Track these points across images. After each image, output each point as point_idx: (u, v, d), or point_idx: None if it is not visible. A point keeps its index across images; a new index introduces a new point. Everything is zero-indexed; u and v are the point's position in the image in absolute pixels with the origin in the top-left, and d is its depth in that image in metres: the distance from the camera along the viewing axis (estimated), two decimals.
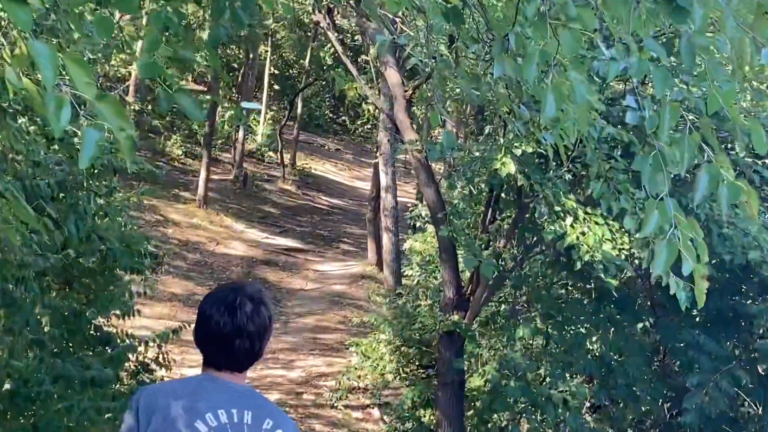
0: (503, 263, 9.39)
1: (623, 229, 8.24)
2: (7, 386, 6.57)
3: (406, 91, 10.02)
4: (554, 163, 8.13)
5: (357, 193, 28.70)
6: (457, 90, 9.04)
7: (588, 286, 9.77)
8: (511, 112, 6.12)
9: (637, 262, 9.44)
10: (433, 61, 7.38)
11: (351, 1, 10.30)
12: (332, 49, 27.51)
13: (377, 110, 23.79)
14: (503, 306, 10.70)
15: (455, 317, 9.64)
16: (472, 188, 10.00)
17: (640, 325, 9.50)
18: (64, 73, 2.27)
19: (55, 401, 6.82)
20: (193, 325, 2.66)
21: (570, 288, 9.89)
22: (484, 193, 9.77)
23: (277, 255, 20.94)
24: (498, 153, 8.01)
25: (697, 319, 9.44)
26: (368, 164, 28.38)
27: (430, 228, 15.36)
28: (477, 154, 8.18)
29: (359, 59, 27.63)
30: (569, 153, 8.34)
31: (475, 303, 9.70)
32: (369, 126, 32.70)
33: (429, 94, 9.98)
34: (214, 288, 2.67)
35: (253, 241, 21.30)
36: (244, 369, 2.54)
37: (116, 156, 7.99)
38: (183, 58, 3.29)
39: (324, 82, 31.03)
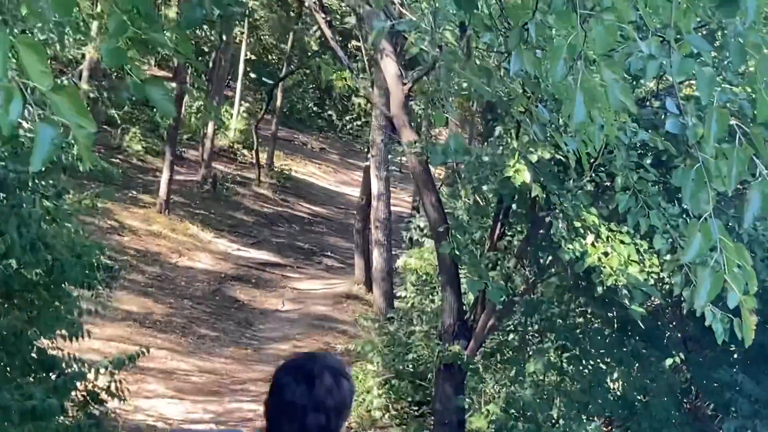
0: (513, 286, 9.43)
1: (652, 250, 8.31)
2: None
3: (404, 84, 10.06)
4: (574, 172, 8.17)
5: (344, 200, 28.69)
6: (464, 84, 9.06)
7: (610, 314, 9.84)
8: (528, 112, 6.18)
9: (667, 287, 9.50)
10: (439, 51, 7.42)
11: None
12: (318, 33, 27.57)
13: (370, 105, 23.83)
14: (511, 336, 10.75)
15: (456, 347, 9.67)
16: (478, 198, 10.06)
17: (669, 361, 9.52)
18: (14, 60, 2.27)
19: None
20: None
21: (589, 316, 9.95)
22: (493, 205, 9.82)
23: (249, 270, 20.89)
24: (510, 158, 8.05)
25: (735, 356, 9.50)
26: (358, 167, 28.34)
27: (429, 243, 15.38)
28: (486, 158, 8.20)
29: (350, 45, 27.68)
30: (592, 161, 8.41)
31: (479, 331, 9.74)
32: (359, 123, 32.72)
33: (431, 89, 10.01)
34: (291, 355, 2.78)
35: (222, 254, 21.25)
36: None
37: (66, 152, 7.97)
38: (151, 41, 3.28)
39: (308, 71, 31.04)
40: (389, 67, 10.09)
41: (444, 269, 9.86)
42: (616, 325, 9.90)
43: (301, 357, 2.71)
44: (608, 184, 8.84)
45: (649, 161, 8.04)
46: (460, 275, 9.93)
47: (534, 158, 8.07)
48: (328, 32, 11.63)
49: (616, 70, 2.98)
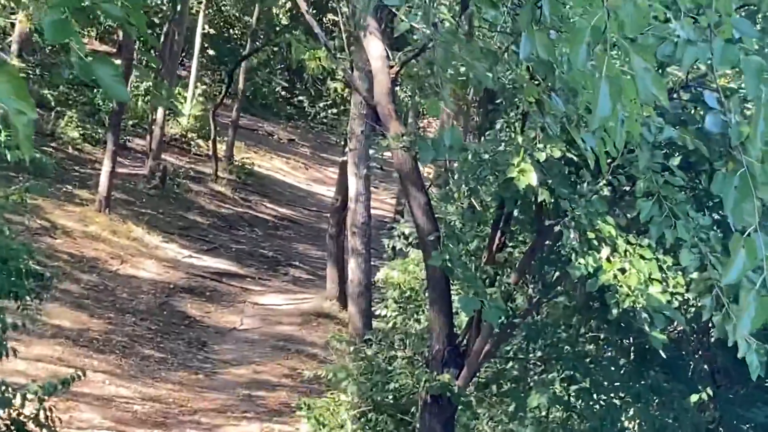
0: (514, 306, 9.48)
1: (677, 267, 8.37)
2: None
3: (391, 67, 10.12)
4: (589, 174, 8.23)
5: (315, 201, 28.90)
6: (462, 69, 9.08)
7: (626, 341, 9.92)
8: (538, 102, 6.20)
9: (692, 311, 9.58)
10: (434, 29, 7.46)
11: None
12: (290, 5, 27.67)
13: (348, 91, 23.90)
14: (510, 364, 10.82)
15: (445, 376, 9.72)
16: (474, 203, 10.10)
17: (694, 398, 9.60)
18: None
19: None
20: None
21: (601, 343, 10.02)
22: (492, 210, 9.87)
23: (203, 281, 21.09)
24: (514, 156, 8.08)
25: None
26: (332, 162, 28.50)
27: (414, 253, 15.46)
28: (485, 156, 8.24)
29: (325, 19, 27.79)
30: (610, 161, 8.47)
31: (472, 358, 9.78)
32: (335, 111, 32.82)
33: (423, 73, 10.09)
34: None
35: (171, 261, 21.42)
36: None
37: None
38: (101, 12, 3.29)
39: (276, 49, 31.13)
40: (374, 47, 10.14)
41: (433, 284, 9.90)
42: (632, 354, 9.98)
43: None
44: (627, 188, 8.92)
45: (675, 163, 8.09)
46: (452, 292, 9.98)
47: (542, 157, 8.11)
48: (302, 4, 11.68)
49: (647, 57, 2.99)
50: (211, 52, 31.56)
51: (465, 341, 9.87)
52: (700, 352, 10.34)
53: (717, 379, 10.29)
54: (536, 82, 5.95)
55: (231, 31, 32.68)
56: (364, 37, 10.33)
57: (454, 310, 10.11)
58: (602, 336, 10.13)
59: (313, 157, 33.11)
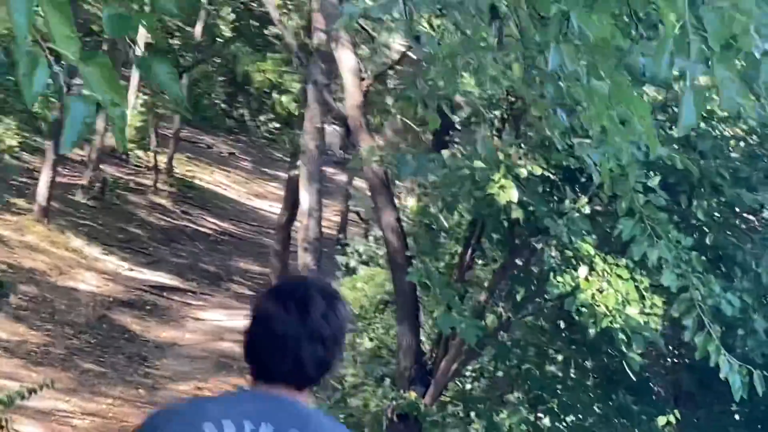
0: (483, 325, 9.42)
1: (654, 287, 8.38)
2: None
3: (362, 79, 10.06)
4: (570, 191, 8.22)
5: (257, 216, 28.86)
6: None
7: (593, 362, 9.90)
8: (541, 118, 6.13)
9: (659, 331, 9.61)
10: (416, 42, 7.40)
11: None
12: (233, 17, 27.53)
13: (296, 104, 23.82)
14: (477, 383, 10.75)
15: (412, 394, 9.63)
16: (444, 219, 10.04)
17: (662, 420, 9.59)
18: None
19: None
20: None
21: (568, 364, 9.98)
22: (463, 227, 9.81)
23: (143, 294, 20.83)
24: (495, 172, 8.02)
25: (738, 416, 9.63)
26: (274, 177, 28.35)
27: (364, 271, 15.36)
28: (466, 172, 8.17)
29: (267, 31, 27.60)
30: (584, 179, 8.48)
31: (440, 376, 9.71)
32: (277, 126, 32.72)
33: (401, 86, 10.09)
34: (277, 282, 2.91)
35: (110, 273, 21.10)
36: (309, 384, 2.62)
37: None
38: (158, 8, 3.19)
39: (219, 61, 30.94)
40: (346, 59, 10.08)
41: (402, 301, 9.85)
42: (598, 376, 9.98)
43: (289, 281, 2.94)
44: (600, 207, 8.93)
45: (655, 182, 8.09)
46: (419, 308, 9.95)
47: (523, 173, 8.07)
48: (275, 14, 11.54)
49: (731, 67, 2.93)
50: None
51: (433, 359, 9.85)
52: (665, 375, 10.39)
53: (679, 402, 10.34)
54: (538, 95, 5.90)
55: (173, 40, 32.38)
56: (336, 50, 10.24)
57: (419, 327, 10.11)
58: (569, 356, 10.11)
59: (254, 171, 33.05)
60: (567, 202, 8.23)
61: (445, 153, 9.69)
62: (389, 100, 14.83)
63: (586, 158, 5.50)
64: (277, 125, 32.93)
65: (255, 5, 26.32)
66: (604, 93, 4.68)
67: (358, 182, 30.53)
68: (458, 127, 11.86)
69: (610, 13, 4.43)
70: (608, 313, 8.11)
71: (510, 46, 5.33)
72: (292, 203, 20.41)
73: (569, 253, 8.21)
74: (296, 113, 25.95)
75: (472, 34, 5.98)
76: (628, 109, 5.13)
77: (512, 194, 7.99)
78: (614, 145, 5.31)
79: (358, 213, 25.73)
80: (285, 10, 23.06)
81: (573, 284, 8.18)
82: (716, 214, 8.89)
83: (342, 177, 28.86)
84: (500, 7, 4.73)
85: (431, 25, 8.70)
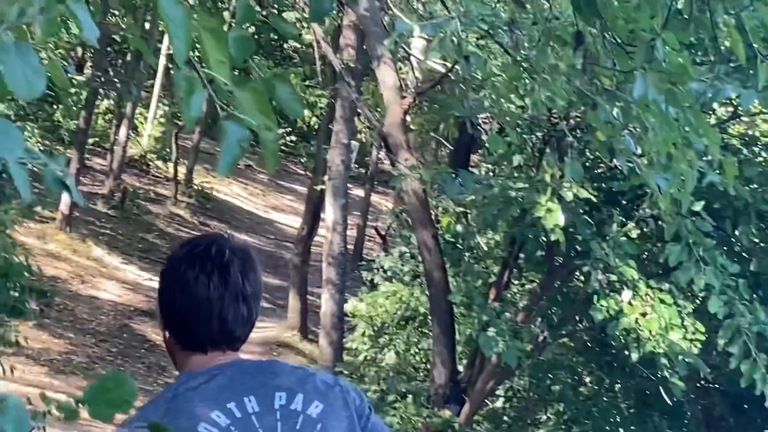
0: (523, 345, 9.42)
1: (697, 312, 8.39)
2: None
3: (404, 98, 10.08)
4: (618, 216, 8.22)
5: (274, 229, 28.82)
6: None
7: (628, 383, 9.90)
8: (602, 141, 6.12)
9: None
10: (465, 61, 7.39)
11: None
12: (252, 29, 27.58)
13: (317, 119, 23.87)
14: (510, 403, 10.73)
15: (447, 413, 9.63)
16: (481, 242, 10.05)
17: None
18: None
19: None
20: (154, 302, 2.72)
21: (606, 385, 9.98)
22: (500, 246, 9.83)
23: None
24: (541, 195, 8.02)
25: None
26: (290, 190, 28.35)
27: (386, 287, 15.37)
28: (512, 194, 8.16)
29: (286, 46, 27.68)
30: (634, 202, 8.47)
31: (476, 395, 9.71)
32: (294, 139, 32.74)
33: (449, 102, 10.09)
34: (183, 243, 2.67)
35: (131, 283, 21.06)
36: (239, 345, 2.56)
37: None
38: (280, 30, 3.26)
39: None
40: (388, 77, 10.10)
41: (438, 319, 9.84)
42: (632, 398, 9.98)
43: (196, 242, 2.61)
44: (642, 230, 8.93)
45: (699, 208, 8.07)
46: (455, 327, 9.97)
47: (569, 196, 8.06)
48: (318, 31, 11.56)
49: None
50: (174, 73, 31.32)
51: (467, 377, 9.86)
52: (698, 400, 10.38)
53: (712, 428, 10.36)
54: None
55: (194, 50, 32.55)
56: (378, 67, 10.23)
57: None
58: (603, 378, 10.12)
59: (271, 184, 32.96)
60: (614, 226, 8.22)
61: (480, 171, 9.76)
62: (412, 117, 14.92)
63: (652, 184, 5.44)
64: (294, 138, 33.05)
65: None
66: (677, 119, 4.73)
67: (375, 197, 30.60)
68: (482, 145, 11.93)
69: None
70: (651, 338, 8.12)
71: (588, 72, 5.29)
72: (312, 217, 20.42)
73: (614, 277, 8.19)
74: (315, 127, 26.03)
75: (536, 58, 5.99)
76: (696, 135, 5.16)
77: (559, 218, 7.98)
78: (681, 171, 5.30)
79: (375, 228, 25.71)
80: (304, 24, 23.24)
81: (617, 308, 8.19)
82: (760, 240, 8.92)
83: (358, 192, 28.88)
84: (586, 34, 4.71)
85: (479, 46, 8.73)
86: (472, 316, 9.18)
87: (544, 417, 10.32)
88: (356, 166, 28.84)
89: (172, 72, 30.79)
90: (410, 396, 11.86)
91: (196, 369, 2.50)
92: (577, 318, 9.95)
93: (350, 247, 24.93)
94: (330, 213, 17.17)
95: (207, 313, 2.46)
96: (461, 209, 9.94)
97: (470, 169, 12.34)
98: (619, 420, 9.75)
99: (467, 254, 10.03)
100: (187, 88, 2.18)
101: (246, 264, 2.53)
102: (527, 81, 6.81)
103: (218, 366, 2.48)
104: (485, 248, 9.81)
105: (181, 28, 2.14)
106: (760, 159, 8.84)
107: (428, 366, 12.12)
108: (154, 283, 21.54)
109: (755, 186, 8.43)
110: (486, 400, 10.46)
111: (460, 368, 10.31)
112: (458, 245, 10.45)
